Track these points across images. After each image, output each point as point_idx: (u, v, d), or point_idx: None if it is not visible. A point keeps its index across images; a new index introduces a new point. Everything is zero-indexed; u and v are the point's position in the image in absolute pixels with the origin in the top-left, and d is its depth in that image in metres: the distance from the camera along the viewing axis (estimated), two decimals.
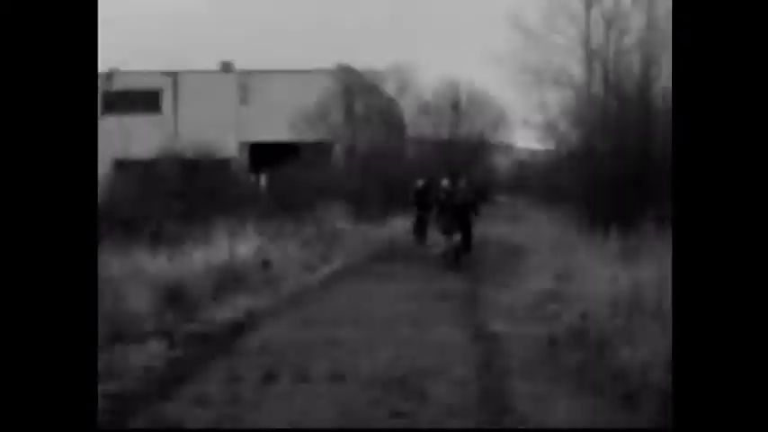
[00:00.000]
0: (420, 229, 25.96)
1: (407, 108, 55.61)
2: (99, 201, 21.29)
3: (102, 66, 47.55)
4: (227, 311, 12.60)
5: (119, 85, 50.50)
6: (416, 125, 56.06)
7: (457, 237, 20.48)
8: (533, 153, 43.88)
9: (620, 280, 11.65)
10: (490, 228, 28.00)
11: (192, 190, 25.14)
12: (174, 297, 12.20)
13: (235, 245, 16.82)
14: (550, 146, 28.88)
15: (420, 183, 26.57)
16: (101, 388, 7.95)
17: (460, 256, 20.49)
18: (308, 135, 41.78)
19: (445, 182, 21.70)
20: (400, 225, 29.29)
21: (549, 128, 27.91)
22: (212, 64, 51.89)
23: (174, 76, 50.40)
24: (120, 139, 43.64)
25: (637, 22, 30.45)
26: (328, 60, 51.92)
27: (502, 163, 67.94)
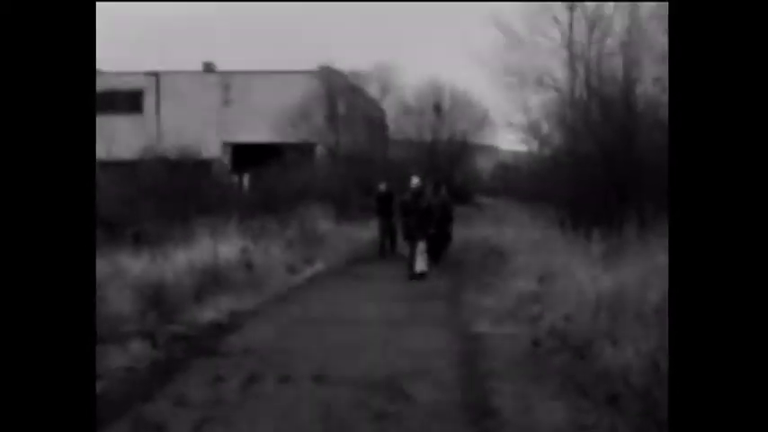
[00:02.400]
0: (384, 239, 23.66)
1: (390, 109, 55.76)
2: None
3: None
4: (209, 312, 12.57)
5: (101, 85, 50.14)
6: (399, 126, 56.17)
7: (422, 244, 18.64)
8: (516, 155, 43.96)
9: (602, 281, 11.66)
10: (472, 229, 28.02)
11: (174, 191, 25.08)
12: (157, 298, 12.15)
13: (217, 246, 16.76)
14: (533, 147, 28.92)
15: (382, 187, 24.33)
16: None
17: (437, 261, 20.18)
18: (290, 136, 41.75)
19: (415, 180, 19.71)
20: None
21: (532, 129, 27.95)
22: (195, 64, 51.81)
23: (156, 76, 50.24)
24: (102, 139, 43.48)
25: (619, 24, 30.58)
26: (311, 61, 51.92)
27: (485, 164, 67.98)
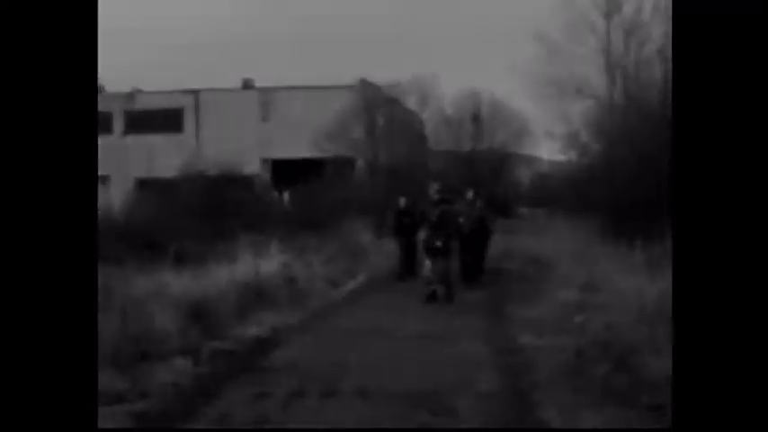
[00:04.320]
0: (405, 260, 20.99)
1: (429, 121, 55.64)
2: (122, 220, 21.46)
3: (124, 85, 47.96)
4: (252, 328, 12.60)
5: (141, 104, 50.82)
6: (438, 138, 56.06)
7: (448, 263, 16.90)
8: (556, 164, 43.77)
9: (645, 291, 11.57)
10: (514, 240, 27.93)
11: (215, 208, 25.22)
12: (199, 315, 12.20)
13: (259, 262, 16.83)
14: (573, 157, 28.75)
15: (402, 201, 21.73)
16: (128, 407, 8.00)
17: (452, 289, 16.89)
18: (329, 151, 41.85)
19: (435, 187, 18.12)
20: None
21: (572, 139, 27.80)
22: (233, 82, 52.14)
23: (195, 94, 50.62)
24: (143, 158, 43.89)
25: (657, 31, 30.38)
26: (349, 75, 52.07)
27: (525, 175, 67.71)
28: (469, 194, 19.97)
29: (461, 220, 18.51)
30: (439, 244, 16.73)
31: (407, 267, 20.82)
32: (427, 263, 16.80)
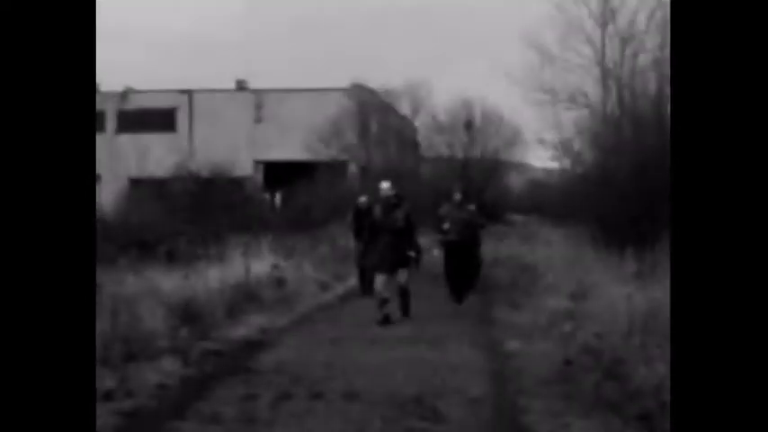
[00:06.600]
0: (364, 269, 17.45)
1: (421, 127, 55.77)
2: (114, 219, 21.45)
3: (118, 85, 47.92)
4: (241, 329, 12.61)
5: (134, 103, 50.78)
6: (430, 144, 56.15)
7: (402, 276, 14.40)
8: (548, 172, 43.86)
9: (635, 299, 11.59)
10: (504, 247, 27.93)
11: (207, 208, 25.23)
12: (189, 315, 12.21)
13: (250, 263, 16.83)
14: (565, 165, 28.81)
15: (363, 200, 19.03)
16: (115, 406, 7.99)
17: (408, 305, 14.73)
18: (322, 154, 41.92)
19: (385, 185, 14.96)
20: None
21: (564, 147, 27.84)
22: (227, 82, 52.12)
23: (189, 94, 50.60)
24: (136, 157, 43.86)
25: (652, 41, 30.51)
26: (343, 79, 52.11)
27: (516, 182, 67.75)
28: (457, 196, 17.53)
29: (446, 225, 17.17)
30: (398, 255, 14.32)
31: (366, 277, 17.44)
32: (380, 278, 14.20)
